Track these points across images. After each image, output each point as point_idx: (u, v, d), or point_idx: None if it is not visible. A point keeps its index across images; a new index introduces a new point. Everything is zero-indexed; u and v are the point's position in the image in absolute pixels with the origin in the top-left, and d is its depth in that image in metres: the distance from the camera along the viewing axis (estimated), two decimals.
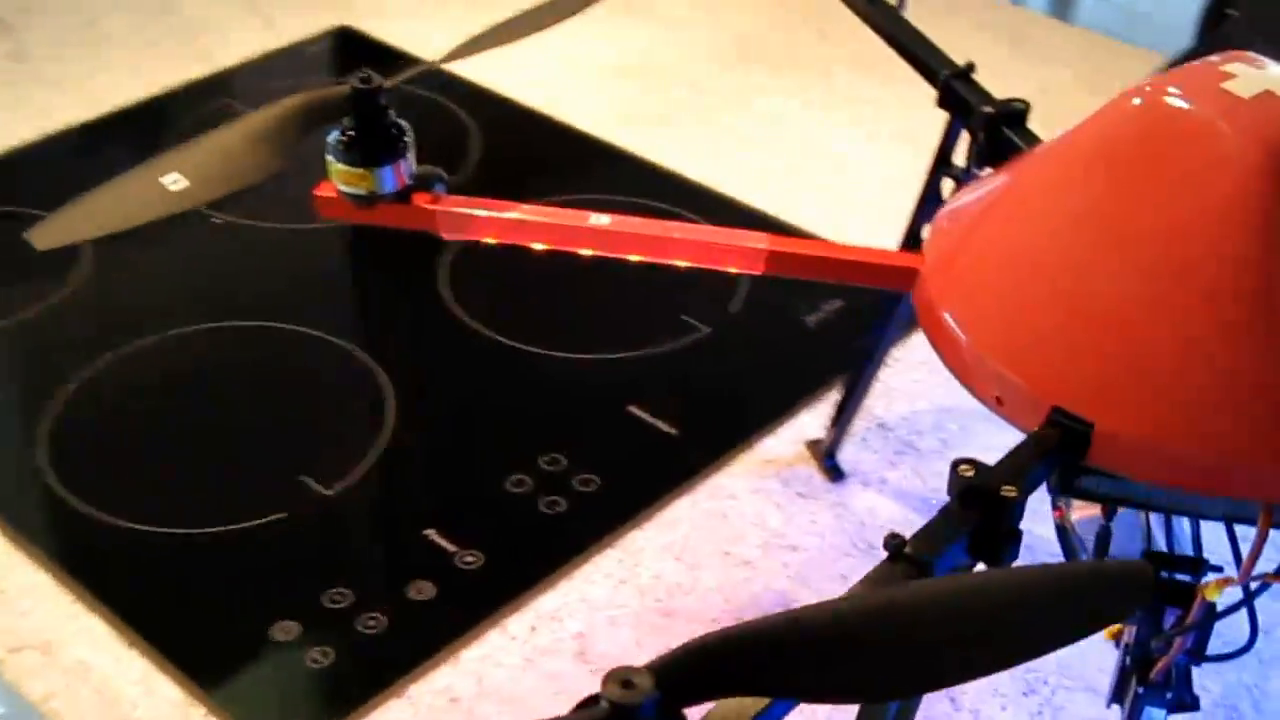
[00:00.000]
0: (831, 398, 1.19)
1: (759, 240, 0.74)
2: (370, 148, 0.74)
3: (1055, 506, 0.79)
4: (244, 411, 1.17)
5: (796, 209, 1.42)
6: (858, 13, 0.96)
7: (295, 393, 1.19)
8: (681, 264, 0.75)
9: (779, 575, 1.05)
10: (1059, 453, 0.64)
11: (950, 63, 0.90)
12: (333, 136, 0.75)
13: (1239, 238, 0.63)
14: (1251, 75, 0.66)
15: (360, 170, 0.74)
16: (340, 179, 0.75)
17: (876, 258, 0.74)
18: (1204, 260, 0.63)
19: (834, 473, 1.12)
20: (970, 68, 0.89)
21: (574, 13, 0.80)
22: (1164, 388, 0.62)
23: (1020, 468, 0.62)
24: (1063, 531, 0.80)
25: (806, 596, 1.02)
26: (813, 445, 1.15)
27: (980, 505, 0.60)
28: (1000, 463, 0.62)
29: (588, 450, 1.13)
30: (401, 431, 1.14)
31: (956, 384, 1.20)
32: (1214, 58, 0.69)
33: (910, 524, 1.07)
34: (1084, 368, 0.64)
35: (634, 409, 1.17)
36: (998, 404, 0.67)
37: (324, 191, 0.77)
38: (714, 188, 1.46)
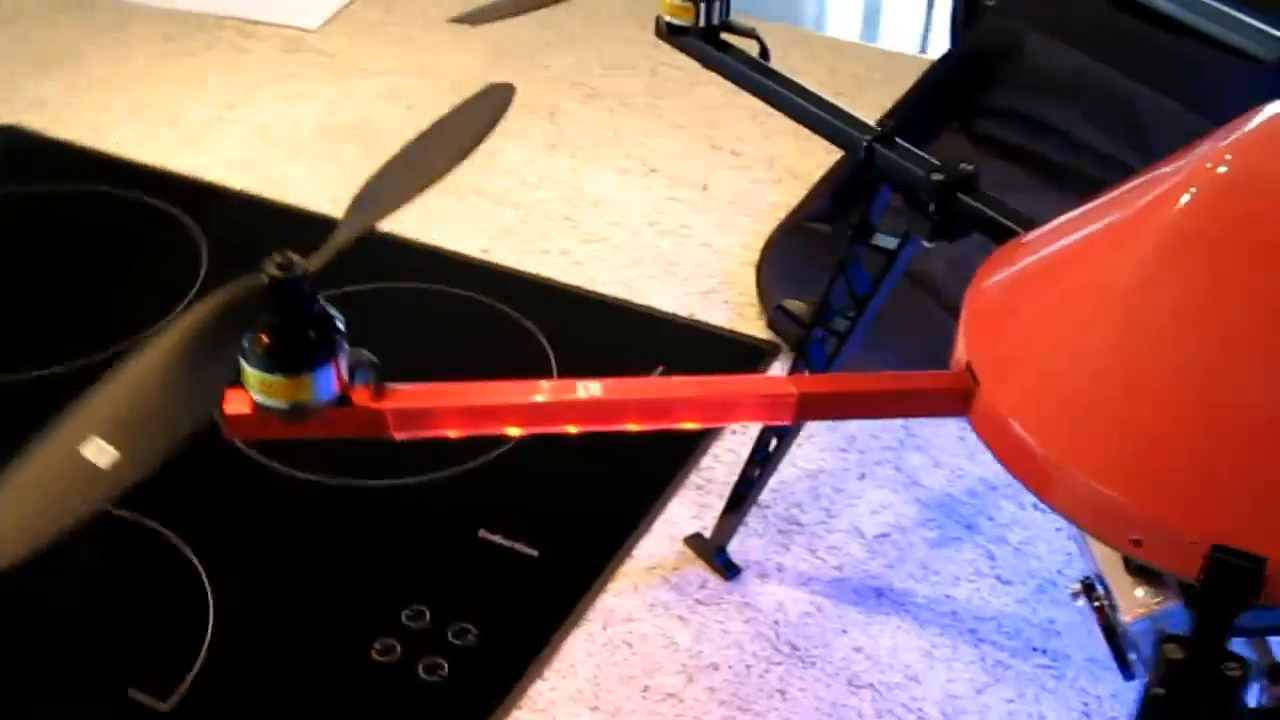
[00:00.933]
0: (694, 480, 1.09)
1: (784, 386, 0.62)
2: (298, 348, 0.57)
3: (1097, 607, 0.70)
4: (62, 624, 0.97)
5: (569, 266, 1.30)
6: (750, 89, 0.85)
7: (105, 591, 0.99)
8: (689, 426, 0.62)
9: (711, 705, 0.93)
10: (1228, 596, 0.55)
11: (868, 126, 0.80)
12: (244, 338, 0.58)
13: None
14: None
15: (288, 379, 0.57)
16: (261, 390, 0.58)
17: (922, 383, 0.63)
18: None
19: (728, 569, 1.01)
20: (892, 130, 0.79)
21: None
22: None
23: (1212, 629, 0.53)
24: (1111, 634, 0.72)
25: None
26: (693, 542, 1.03)
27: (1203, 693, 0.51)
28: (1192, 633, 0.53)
29: (451, 595, 0.98)
30: (231, 616, 0.96)
31: (819, 445, 1.13)
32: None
33: (826, 614, 1.01)
34: (1242, 494, 0.56)
35: (486, 534, 1.03)
36: (1133, 546, 0.57)
37: (235, 407, 0.60)
38: (471, 254, 1.32)
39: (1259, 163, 0.58)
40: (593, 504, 1.07)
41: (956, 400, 0.63)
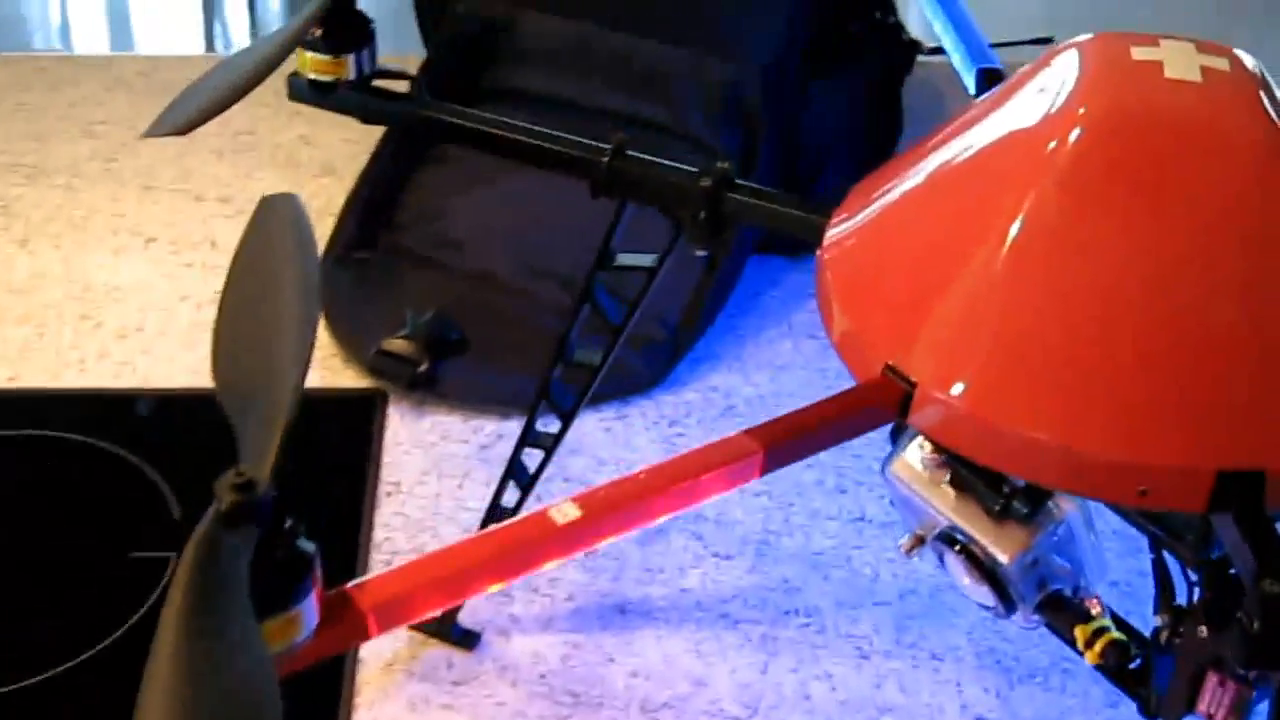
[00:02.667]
0: (376, 558, 1.00)
1: (745, 445, 0.57)
2: (279, 584, 0.46)
3: None
4: None
5: (120, 370, 1.14)
6: (464, 137, 0.77)
7: None
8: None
9: None
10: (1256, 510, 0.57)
11: (598, 148, 0.75)
12: None
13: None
14: (1172, 55, 0.62)
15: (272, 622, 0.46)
16: None
17: (859, 401, 0.60)
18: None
19: (468, 639, 0.94)
20: (623, 141, 0.75)
21: None
22: None
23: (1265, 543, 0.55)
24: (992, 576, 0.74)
25: None
26: (417, 624, 0.95)
27: None
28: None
29: None
30: None
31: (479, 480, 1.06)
32: (1087, 41, 0.63)
33: (586, 649, 0.95)
34: (1234, 418, 0.58)
35: None
36: (1140, 498, 0.58)
37: None
38: None
39: (1129, 100, 0.60)
40: None
41: (894, 407, 0.60)
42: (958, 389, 0.59)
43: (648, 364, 1.13)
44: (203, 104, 0.75)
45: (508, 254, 1.19)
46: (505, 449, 1.08)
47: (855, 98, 1.29)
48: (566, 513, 0.54)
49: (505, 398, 1.11)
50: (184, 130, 0.75)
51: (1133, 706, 0.92)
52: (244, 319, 0.56)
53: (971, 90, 0.82)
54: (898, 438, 0.72)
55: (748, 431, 0.58)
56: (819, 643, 0.96)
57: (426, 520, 1.03)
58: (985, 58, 0.81)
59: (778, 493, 1.06)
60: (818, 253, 0.68)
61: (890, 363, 0.61)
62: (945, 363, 0.60)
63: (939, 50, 1.26)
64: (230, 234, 1.26)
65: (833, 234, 0.67)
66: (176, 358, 1.16)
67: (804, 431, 0.59)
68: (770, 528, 1.04)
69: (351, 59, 0.77)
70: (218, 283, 1.22)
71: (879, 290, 0.63)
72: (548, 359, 1.14)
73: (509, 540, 0.53)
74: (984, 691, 0.94)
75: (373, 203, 1.25)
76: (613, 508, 0.54)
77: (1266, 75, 0.63)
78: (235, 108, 0.78)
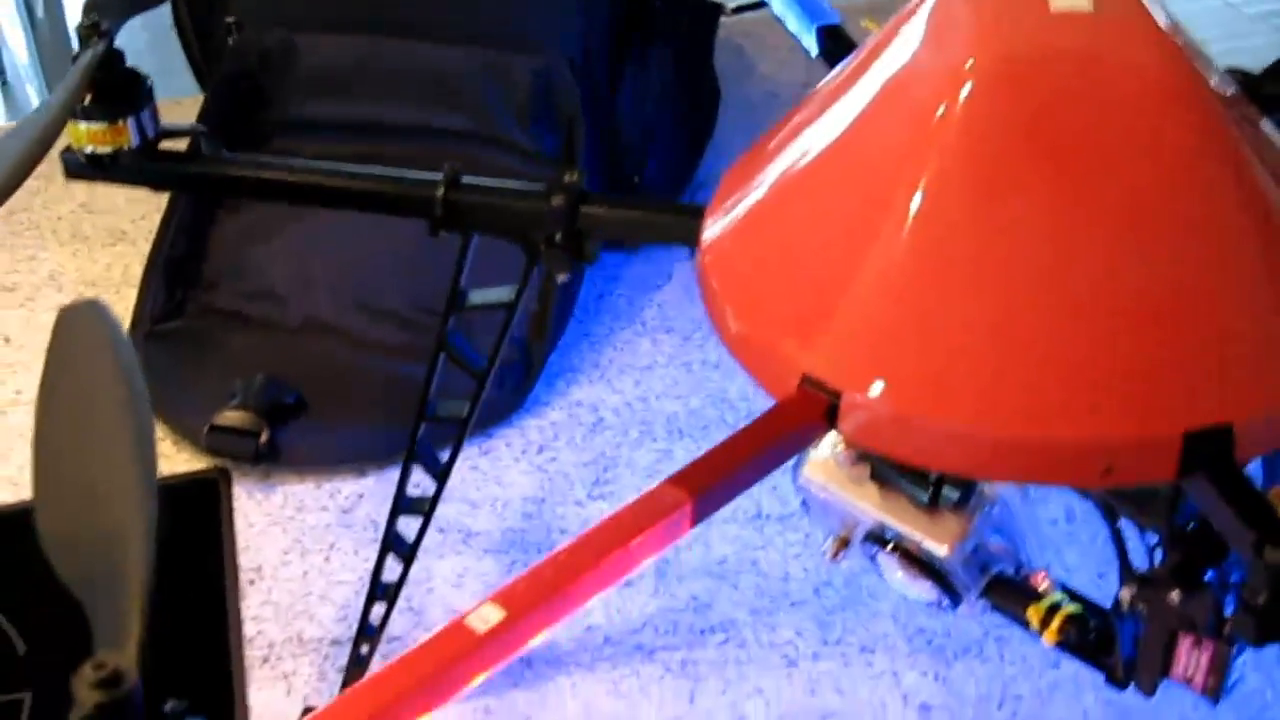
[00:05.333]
0: (255, 655, 0.91)
1: (671, 497, 0.50)
2: None
3: None
4: None
5: None
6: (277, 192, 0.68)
7: None
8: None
9: None
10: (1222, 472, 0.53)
11: (429, 181, 0.67)
12: None
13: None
14: None
15: None
16: None
17: (781, 425, 0.54)
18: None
19: None
20: (456, 170, 0.67)
21: None
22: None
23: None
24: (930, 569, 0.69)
25: None
26: None
27: None
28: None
29: None
30: None
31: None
32: None
33: (499, 713, 0.86)
34: (1195, 377, 0.53)
35: None
36: (1104, 476, 0.53)
37: None
38: None
39: (1018, 47, 0.55)
40: None
41: (819, 420, 0.54)
42: (889, 392, 0.53)
43: (503, 388, 1.05)
44: None
45: (334, 298, 1.11)
46: (369, 510, 1.00)
47: (666, 76, 1.22)
48: (487, 618, 0.46)
49: (358, 455, 1.03)
50: None
51: (1075, 665, 0.88)
52: (67, 464, 0.48)
53: (814, 51, 0.75)
54: None
55: (670, 481, 0.51)
56: (742, 658, 0.90)
57: (298, 604, 0.95)
58: (823, 14, 0.75)
59: None
60: (698, 255, 0.61)
61: (807, 373, 0.54)
62: (869, 365, 0.53)
63: (745, 8, 1.21)
64: (20, 326, 1.15)
65: (711, 234, 0.60)
66: None
67: (731, 469, 0.52)
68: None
69: (132, 123, 0.68)
70: (18, 383, 1.13)
71: (775, 294, 0.57)
72: (399, 406, 1.06)
73: (428, 664, 0.45)
74: (922, 676, 0.89)
75: (175, 264, 1.15)
76: (538, 599, 0.47)
77: None
78: None
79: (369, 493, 1.02)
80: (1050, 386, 0.52)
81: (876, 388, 0.53)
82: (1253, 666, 0.87)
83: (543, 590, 0.47)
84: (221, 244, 1.16)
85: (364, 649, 0.84)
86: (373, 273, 1.10)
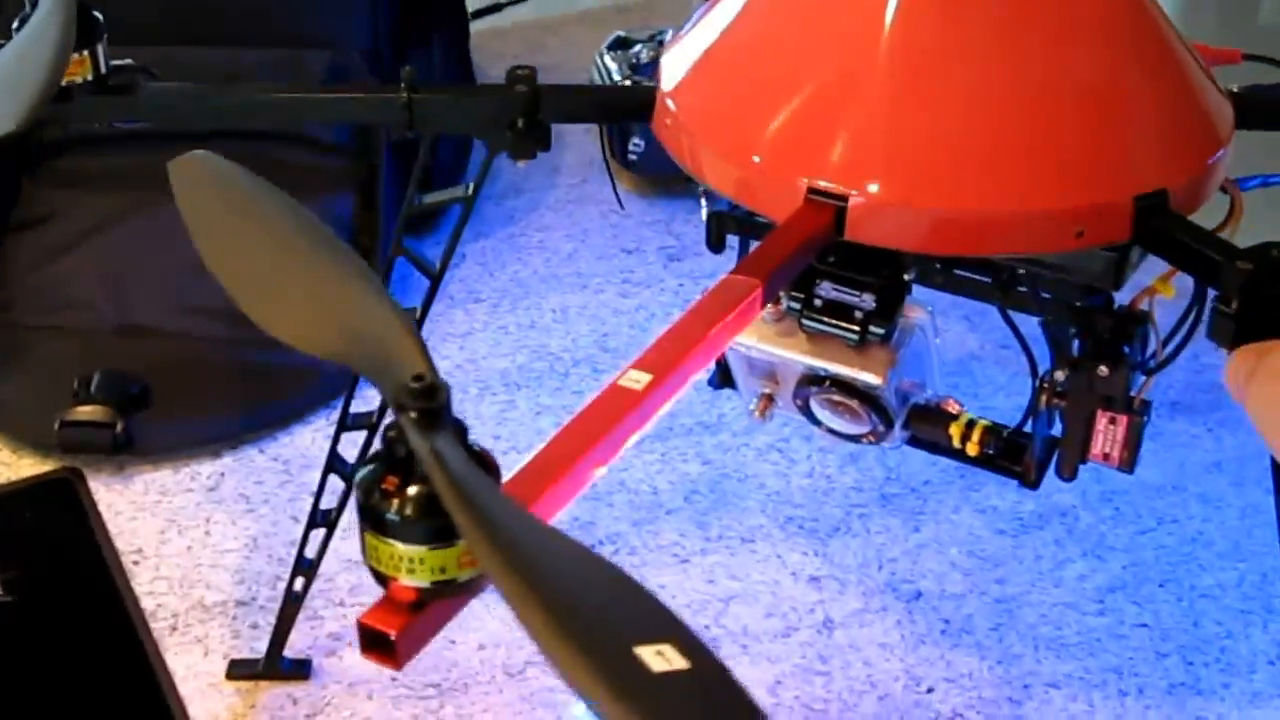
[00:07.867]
0: (166, 624, 0.91)
1: (750, 284, 0.56)
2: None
3: None
4: None
5: None
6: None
7: None
8: None
9: None
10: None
11: (392, 87, 0.72)
12: None
13: None
14: None
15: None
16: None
17: (796, 230, 0.61)
18: None
19: (300, 668, 0.88)
20: (412, 73, 0.72)
21: None
22: None
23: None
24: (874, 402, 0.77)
25: None
26: (242, 670, 0.88)
27: None
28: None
29: None
30: None
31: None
32: None
33: (435, 654, 0.86)
34: (1144, 149, 0.64)
35: None
36: (1076, 240, 0.63)
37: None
38: None
39: None
40: None
41: (829, 228, 0.63)
42: (892, 186, 0.61)
43: None
44: None
45: (152, 303, 1.11)
46: (236, 484, 1.01)
47: (448, 59, 1.28)
48: (638, 379, 0.52)
49: (214, 437, 1.04)
50: None
51: (935, 527, 0.99)
52: (286, 263, 0.51)
53: None
54: None
55: (738, 271, 0.58)
56: (636, 562, 0.96)
57: (190, 575, 0.95)
58: None
59: (508, 435, 1.05)
60: (662, 119, 0.68)
61: (813, 185, 0.62)
62: (871, 168, 0.62)
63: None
64: None
65: (677, 93, 0.67)
66: None
67: (770, 267, 0.59)
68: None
69: (90, 56, 0.69)
70: None
71: (763, 129, 0.64)
72: (249, 390, 1.07)
73: (600, 422, 0.50)
74: (804, 555, 0.97)
75: None
76: (670, 367, 0.53)
77: None
78: None
79: (229, 471, 1.03)
80: (1034, 168, 0.62)
81: (881, 185, 0.62)
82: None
83: (671, 360, 0.53)
84: (14, 263, 1.14)
85: (299, 584, 0.85)
86: (193, 276, 1.10)
